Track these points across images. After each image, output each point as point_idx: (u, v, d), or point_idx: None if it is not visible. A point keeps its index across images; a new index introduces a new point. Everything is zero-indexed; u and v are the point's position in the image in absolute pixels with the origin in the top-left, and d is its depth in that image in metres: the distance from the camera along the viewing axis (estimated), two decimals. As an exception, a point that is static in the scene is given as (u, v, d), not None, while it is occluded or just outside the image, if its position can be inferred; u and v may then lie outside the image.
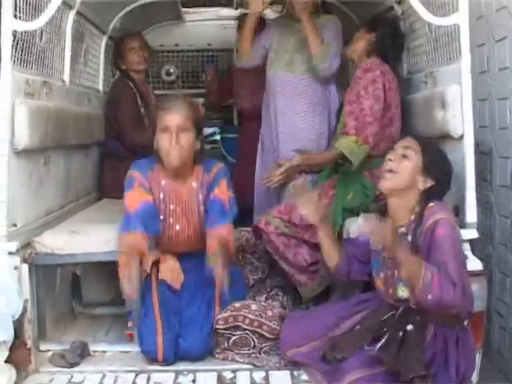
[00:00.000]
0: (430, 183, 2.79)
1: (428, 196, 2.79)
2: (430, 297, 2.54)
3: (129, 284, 2.97)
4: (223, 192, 3.28)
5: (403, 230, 2.79)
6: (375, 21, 3.71)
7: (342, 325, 2.93)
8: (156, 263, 3.32)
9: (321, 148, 4.04)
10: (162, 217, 3.27)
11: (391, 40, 3.65)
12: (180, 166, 3.21)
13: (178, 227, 3.29)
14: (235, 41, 4.95)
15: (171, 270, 3.30)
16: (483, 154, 4.03)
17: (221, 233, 3.19)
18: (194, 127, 3.22)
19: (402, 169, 2.79)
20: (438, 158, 2.84)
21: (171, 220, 3.28)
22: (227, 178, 3.35)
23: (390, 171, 2.81)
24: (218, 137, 5.75)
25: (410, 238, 2.75)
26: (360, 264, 3.01)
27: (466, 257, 2.86)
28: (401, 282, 2.73)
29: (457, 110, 3.04)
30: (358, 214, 3.34)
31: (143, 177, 3.26)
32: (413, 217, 2.78)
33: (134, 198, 3.20)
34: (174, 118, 3.17)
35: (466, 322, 2.75)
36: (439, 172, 2.81)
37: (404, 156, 2.81)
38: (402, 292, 2.74)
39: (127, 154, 4.41)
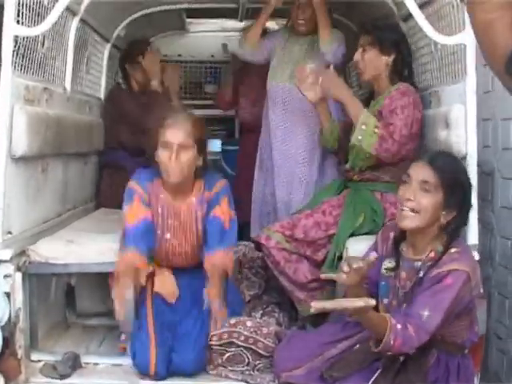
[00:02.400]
0: (452, 214, 2.65)
1: (449, 229, 2.67)
2: (389, 352, 2.54)
3: (120, 305, 2.99)
4: (224, 212, 3.20)
5: (418, 264, 2.68)
6: (389, 41, 3.49)
7: (340, 344, 2.88)
8: (151, 276, 3.27)
9: (316, 162, 4.05)
10: (159, 231, 3.21)
11: (408, 57, 3.57)
12: (179, 183, 3.14)
13: (174, 242, 3.24)
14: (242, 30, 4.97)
15: (166, 284, 3.26)
16: (485, 175, 4.00)
17: (219, 260, 3.13)
18: (196, 143, 3.13)
19: (424, 208, 2.62)
20: (458, 187, 2.67)
21: (168, 235, 3.22)
22: (229, 196, 3.27)
23: (412, 210, 2.64)
24: (218, 149, 5.72)
25: (421, 273, 2.65)
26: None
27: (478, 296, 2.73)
28: None
29: (460, 131, 3.01)
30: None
31: (143, 189, 3.19)
32: (432, 254, 2.65)
33: (134, 214, 3.14)
34: (176, 134, 3.08)
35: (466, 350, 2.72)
36: (461, 201, 2.67)
37: (422, 190, 2.63)
38: None
39: (126, 162, 4.40)
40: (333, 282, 3.33)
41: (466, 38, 3.04)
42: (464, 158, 3.02)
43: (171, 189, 3.21)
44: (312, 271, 3.39)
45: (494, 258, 3.99)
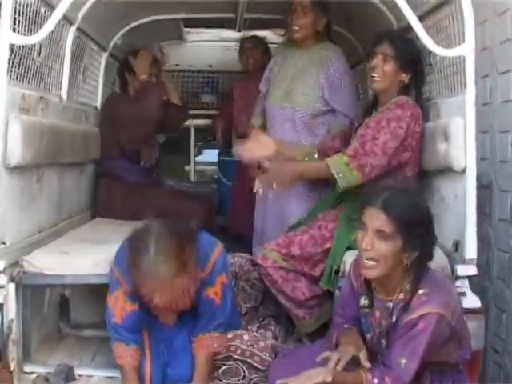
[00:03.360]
0: (414, 255, 2.55)
1: (415, 268, 2.58)
2: None
3: None
4: (217, 293, 2.98)
5: (390, 305, 2.63)
6: (410, 60, 3.42)
7: None
8: None
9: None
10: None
11: (422, 79, 3.52)
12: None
13: (167, 318, 3.03)
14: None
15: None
16: (483, 187, 3.98)
17: (208, 343, 2.99)
18: (186, 268, 2.74)
19: (383, 256, 2.51)
20: (417, 228, 2.53)
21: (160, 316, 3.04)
22: (225, 269, 3.04)
23: (371, 259, 2.53)
24: (215, 159, 5.72)
25: (394, 318, 2.60)
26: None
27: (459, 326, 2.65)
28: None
29: (460, 143, 3.00)
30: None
31: (126, 279, 2.85)
32: (401, 295, 2.59)
33: (119, 308, 2.92)
34: (156, 288, 2.70)
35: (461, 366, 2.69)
36: (422, 240, 2.56)
37: (379, 239, 2.51)
38: None
39: (123, 171, 4.40)
40: (331, 299, 3.31)
41: (466, 50, 3.03)
42: (463, 170, 3.01)
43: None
44: (310, 288, 3.38)
45: (492, 271, 3.97)
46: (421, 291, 2.53)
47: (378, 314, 2.69)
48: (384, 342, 2.64)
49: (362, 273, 2.63)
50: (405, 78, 3.42)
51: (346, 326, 2.83)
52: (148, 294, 2.71)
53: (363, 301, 2.73)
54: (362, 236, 2.56)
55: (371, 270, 2.55)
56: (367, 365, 2.60)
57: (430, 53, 3.34)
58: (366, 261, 2.56)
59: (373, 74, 3.43)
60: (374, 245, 2.52)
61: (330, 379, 2.47)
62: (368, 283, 2.71)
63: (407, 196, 2.65)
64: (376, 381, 2.48)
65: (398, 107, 3.33)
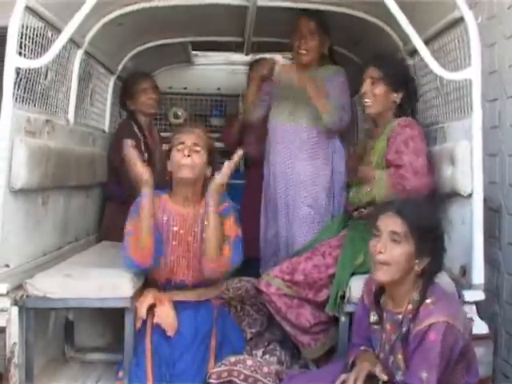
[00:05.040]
0: (425, 261, 2.61)
1: (425, 276, 2.63)
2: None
3: None
4: (228, 229, 3.25)
5: (399, 317, 2.65)
6: (399, 78, 3.46)
7: None
8: (151, 309, 3.22)
9: (319, 202, 3.99)
10: (164, 241, 3.23)
11: (414, 96, 3.56)
12: (191, 181, 3.24)
13: (179, 250, 3.25)
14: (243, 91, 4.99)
15: (166, 315, 3.20)
16: (492, 211, 3.96)
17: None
18: (207, 152, 3.29)
19: (396, 260, 2.58)
20: (429, 234, 2.62)
21: (174, 242, 3.25)
22: (236, 216, 3.31)
23: (384, 263, 2.59)
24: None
25: (404, 329, 2.61)
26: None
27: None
28: (398, 369, 2.63)
29: (466, 167, 2.98)
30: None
31: None
32: (410, 306, 2.61)
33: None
34: (190, 135, 3.29)
35: None
36: (433, 247, 2.63)
37: (393, 241, 2.60)
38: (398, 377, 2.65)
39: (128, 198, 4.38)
40: (336, 324, 3.28)
41: (472, 73, 3.01)
42: (470, 195, 2.98)
43: (179, 199, 3.28)
44: (314, 315, 3.36)
45: (501, 295, 3.93)
46: (428, 300, 2.57)
47: (388, 326, 2.70)
48: (392, 358, 2.64)
49: (373, 279, 2.68)
50: (396, 97, 3.44)
51: (362, 347, 2.83)
52: (181, 137, 3.28)
53: (372, 317, 2.77)
54: (376, 241, 2.63)
55: (383, 273, 2.61)
56: (383, 377, 2.61)
57: (436, 76, 3.33)
58: (378, 266, 2.61)
59: (364, 100, 3.46)
60: (387, 248, 2.59)
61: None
62: (377, 298, 2.75)
63: (420, 204, 2.78)
64: None
65: (405, 127, 3.32)
